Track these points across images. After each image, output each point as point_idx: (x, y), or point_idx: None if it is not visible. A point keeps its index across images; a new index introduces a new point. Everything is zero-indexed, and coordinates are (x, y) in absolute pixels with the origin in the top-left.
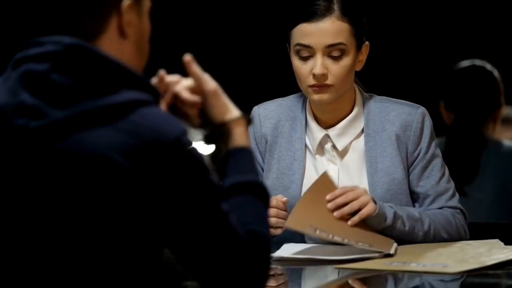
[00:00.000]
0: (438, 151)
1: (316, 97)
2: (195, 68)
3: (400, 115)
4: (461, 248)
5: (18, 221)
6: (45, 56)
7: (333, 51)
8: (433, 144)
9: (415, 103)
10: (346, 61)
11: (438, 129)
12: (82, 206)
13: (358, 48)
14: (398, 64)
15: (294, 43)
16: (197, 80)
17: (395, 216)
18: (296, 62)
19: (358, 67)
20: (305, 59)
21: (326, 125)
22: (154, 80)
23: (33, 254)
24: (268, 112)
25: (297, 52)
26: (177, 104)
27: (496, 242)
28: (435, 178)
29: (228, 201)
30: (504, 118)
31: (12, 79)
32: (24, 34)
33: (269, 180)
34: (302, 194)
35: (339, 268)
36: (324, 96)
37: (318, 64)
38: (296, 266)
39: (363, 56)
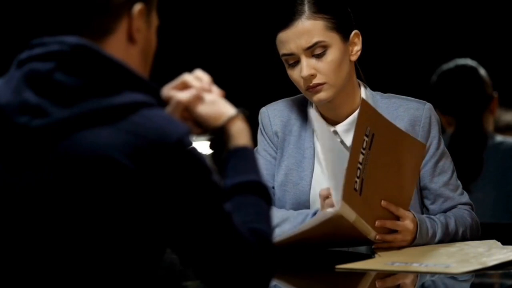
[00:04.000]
0: (445, 147)
1: (314, 98)
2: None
3: (409, 111)
4: (460, 249)
5: (19, 220)
6: (50, 55)
7: (315, 50)
8: (442, 139)
9: (420, 99)
10: (331, 56)
11: None
12: (84, 205)
13: (345, 39)
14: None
15: (280, 54)
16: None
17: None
18: (288, 70)
19: (354, 57)
20: (293, 65)
21: (334, 122)
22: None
23: (34, 253)
24: (277, 112)
25: (286, 61)
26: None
27: (494, 243)
28: (447, 175)
29: (230, 201)
30: (507, 126)
31: (16, 79)
32: (33, 32)
33: (278, 176)
34: (311, 190)
35: (339, 269)
36: (322, 95)
37: (303, 67)
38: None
39: (357, 45)
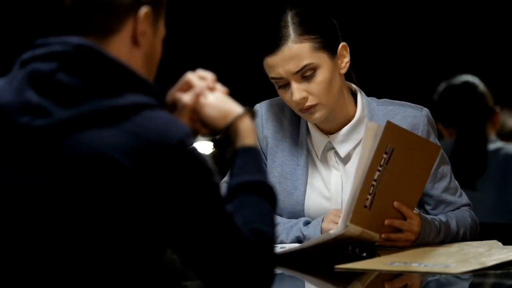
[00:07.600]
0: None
1: (309, 119)
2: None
3: (406, 118)
4: (460, 248)
5: (20, 220)
6: (53, 56)
7: (304, 73)
8: (439, 143)
9: (417, 104)
10: (321, 76)
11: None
12: (85, 205)
13: (333, 55)
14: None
15: (269, 77)
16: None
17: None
18: (278, 91)
19: (343, 70)
20: (284, 87)
21: (328, 132)
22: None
23: (35, 253)
24: (270, 114)
25: (276, 83)
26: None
27: (495, 243)
28: (447, 179)
29: (234, 200)
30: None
31: (18, 78)
32: (38, 31)
33: None
34: (305, 200)
35: (338, 269)
36: (316, 116)
37: (294, 91)
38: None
39: (346, 57)
